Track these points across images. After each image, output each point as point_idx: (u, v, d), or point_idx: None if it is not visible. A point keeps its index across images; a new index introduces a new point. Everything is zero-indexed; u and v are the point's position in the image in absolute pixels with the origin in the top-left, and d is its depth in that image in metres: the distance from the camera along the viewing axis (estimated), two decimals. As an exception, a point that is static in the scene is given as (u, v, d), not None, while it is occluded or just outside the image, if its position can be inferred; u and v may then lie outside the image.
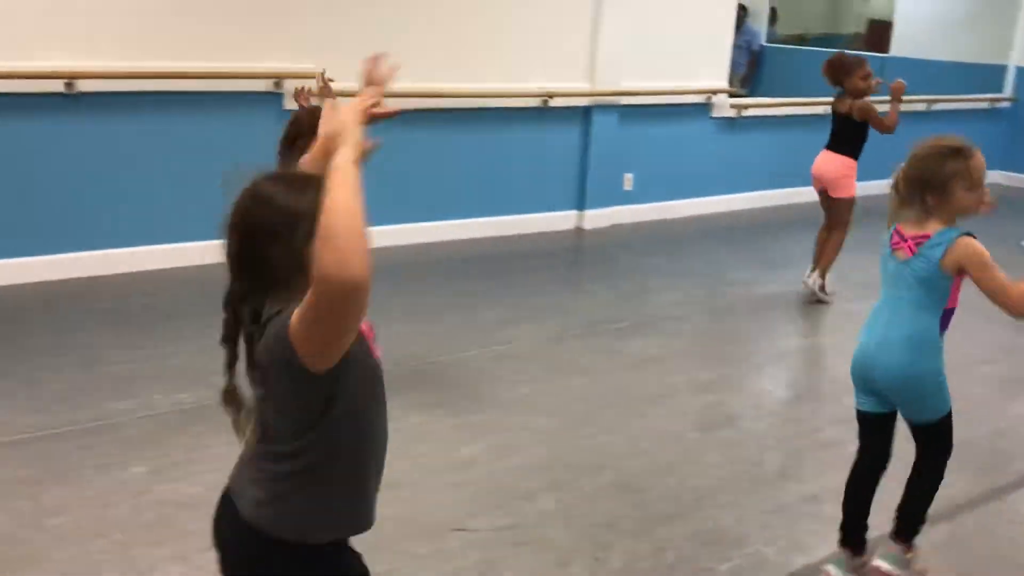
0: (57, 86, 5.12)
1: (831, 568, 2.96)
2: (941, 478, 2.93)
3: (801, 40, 12.46)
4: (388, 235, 6.46)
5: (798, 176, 8.69)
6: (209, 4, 5.53)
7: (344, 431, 1.66)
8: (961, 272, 2.64)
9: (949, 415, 2.85)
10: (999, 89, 10.14)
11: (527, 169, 7.03)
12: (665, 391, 4.36)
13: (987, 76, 9.65)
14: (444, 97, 6.41)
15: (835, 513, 3.34)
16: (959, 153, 2.66)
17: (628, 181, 7.58)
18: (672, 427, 3.99)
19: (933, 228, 2.67)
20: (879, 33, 11.83)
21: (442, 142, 6.59)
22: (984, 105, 9.91)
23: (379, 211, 6.75)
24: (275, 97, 5.84)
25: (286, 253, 1.57)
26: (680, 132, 7.78)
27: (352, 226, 1.41)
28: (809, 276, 5.71)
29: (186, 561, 2.88)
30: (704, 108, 7.87)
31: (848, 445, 3.86)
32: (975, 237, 2.66)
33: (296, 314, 1.47)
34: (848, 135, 5.58)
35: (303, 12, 5.84)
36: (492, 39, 6.61)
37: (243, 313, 1.65)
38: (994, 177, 10.33)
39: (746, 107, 8.19)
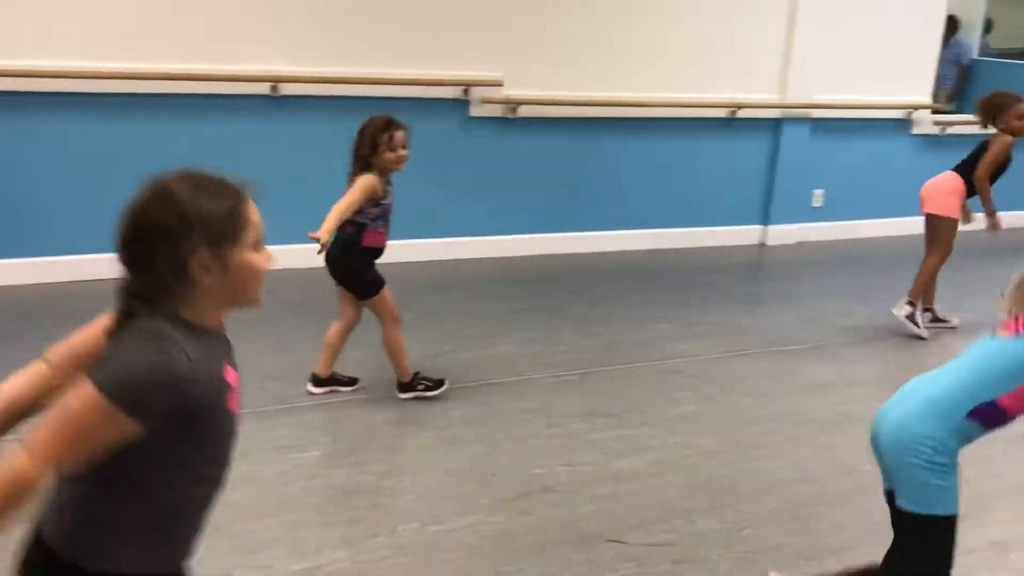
0: (263, 89, 5.47)
1: None
2: None
3: (1019, 55, 11.57)
4: (571, 242, 6.52)
5: (1005, 198, 8.12)
6: (399, 12, 5.74)
7: (147, 478, 1.54)
8: None
9: (946, 524, 2.29)
10: None
11: (712, 181, 6.89)
12: (840, 419, 4.15)
13: None
14: (630, 106, 6.40)
15: (1022, 564, 3.10)
16: None
17: (817, 197, 7.29)
18: (846, 457, 3.80)
19: None
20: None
21: (630, 150, 6.57)
22: None
23: (564, 218, 6.86)
24: (463, 104, 6.00)
25: (171, 258, 1.48)
26: (876, 148, 7.41)
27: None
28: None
29: (351, 546, 3.01)
30: (904, 124, 7.46)
31: None
32: None
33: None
34: (973, 162, 5.17)
35: (494, 22, 5.96)
36: (682, 48, 6.52)
37: (135, 309, 1.51)
38: None
39: (951, 124, 7.69)
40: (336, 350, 4.08)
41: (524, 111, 6.09)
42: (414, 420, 3.92)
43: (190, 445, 1.54)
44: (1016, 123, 5.05)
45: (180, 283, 1.50)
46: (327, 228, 3.65)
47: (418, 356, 4.33)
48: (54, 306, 4.86)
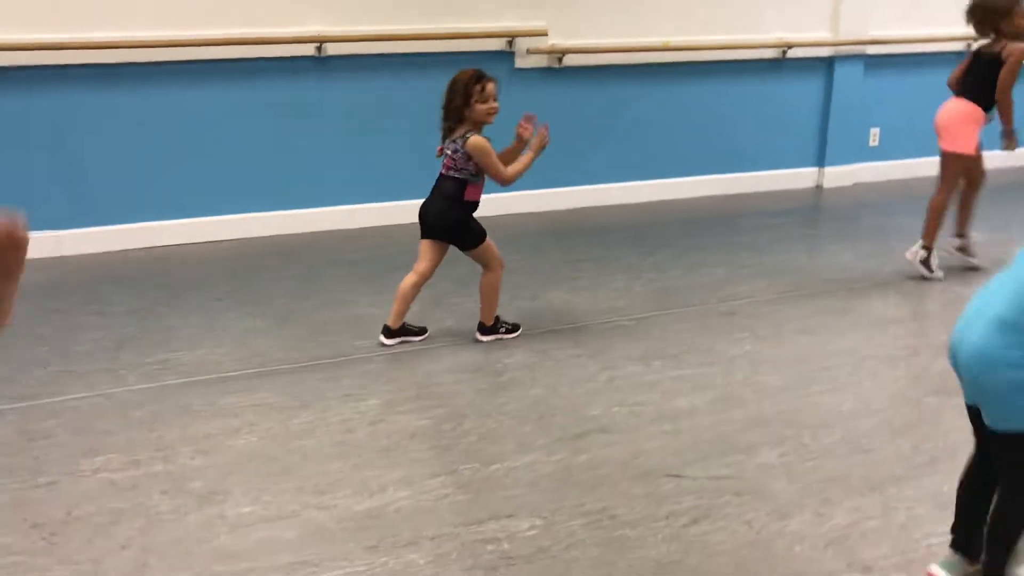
0: (309, 50, 5.51)
1: (936, 569, 2.58)
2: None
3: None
4: (621, 192, 6.48)
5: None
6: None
7: None
8: None
9: None
10: None
11: (764, 124, 6.78)
12: (902, 353, 4.10)
13: None
14: (677, 50, 6.31)
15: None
16: None
17: (874, 136, 7.14)
18: (908, 390, 3.75)
19: None
20: None
21: (678, 96, 6.50)
22: None
23: (614, 168, 6.83)
24: (508, 56, 5.97)
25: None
26: (934, 83, 7.15)
27: None
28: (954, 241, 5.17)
29: (413, 485, 3.06)
30: (962, 56, 7.22)
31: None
32: None
33: None
34: (984, 79, 4.79)
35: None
36: (726, -10, 6.41)
37: None
38: None
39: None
40: (408, 301, 4.15)
41: (570, 60, 6.05)
42: (471, 368, 3.96)
43: None
44: (1012, 27, 4.70)
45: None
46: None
47: (476, 306, 4.37)
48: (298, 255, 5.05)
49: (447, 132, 4.00)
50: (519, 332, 4.26)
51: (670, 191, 6.60)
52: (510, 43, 5.92)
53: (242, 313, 4.53)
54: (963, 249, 5.18)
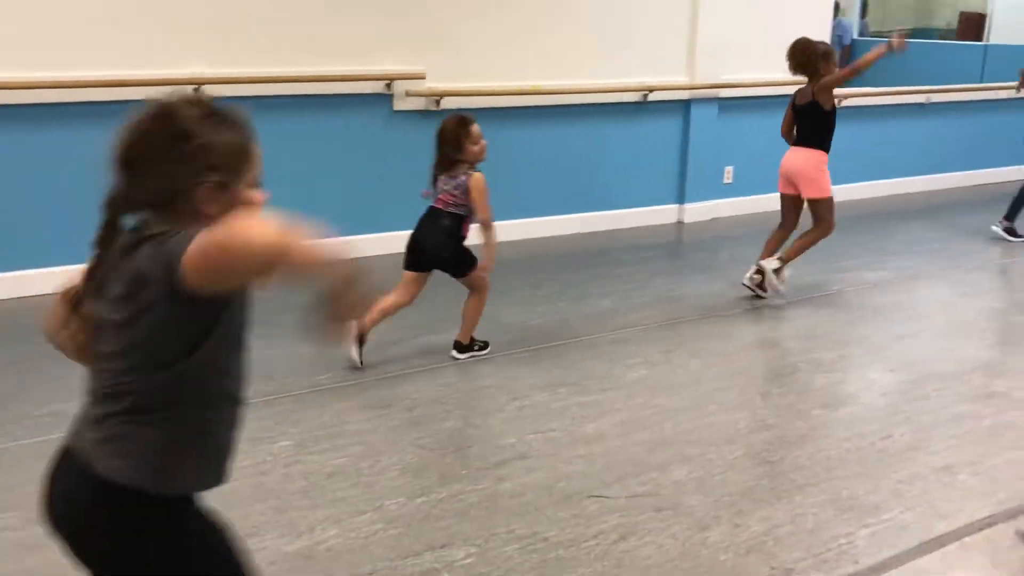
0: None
1: None
2: None
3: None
4: (500, 230, 6.59)
5: (898, 165, 8.62)
6: (322, 9, 5.76)
7: (200, 376, 1.58)
8: None
9: None
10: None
11: (628, 163, 7.11)
12: (785, 372, 4.38)
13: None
14: (549, 94, 6.55)
15: (972, 484, 3.35)
16: None
17: (728, 174, 7.60)
18: (797, 405, 4.02)
19: None
20: (973, 24, 11.60)
21: (544, 139, 6.72)
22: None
23: (493, 206, 6.88)
24: (386, 99, 6.04)
25: (177, 177, 1.50)
26: (777, 124, 7.75)
27: (247, 261, 1.38)
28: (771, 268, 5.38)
29: (340, 523, 3.03)
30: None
31: (979, 420, 3.87)
32: None
33: (195, 246, 1.38)
34: (815, 125, 5.24)
35: (414, 15, 6.03)
36: (592, 35, 6.72)
37: (120, 220, 1.54)
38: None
39: (844, 97, 8.11)
40: (379, 319, 4.28)
41: (447, 102, 6.17)
42: (381, 404, 3.96)
43: (227, 348, 1.61)
44: (833, 66, 5.18)
45: (178, 204, 1.51)
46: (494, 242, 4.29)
47: (377, 344, 4.37)
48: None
49: (437, 175, 4.24)
50: (488, 349, 4.50)
51: (543, 229, 6.80)
52: (389, 85, 5.99)
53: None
54: (761, 274, 5.38)
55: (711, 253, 6.60)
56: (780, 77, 7.57)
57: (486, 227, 4.25)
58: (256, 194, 1.61)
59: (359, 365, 4.26)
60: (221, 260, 1.36)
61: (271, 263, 1.36)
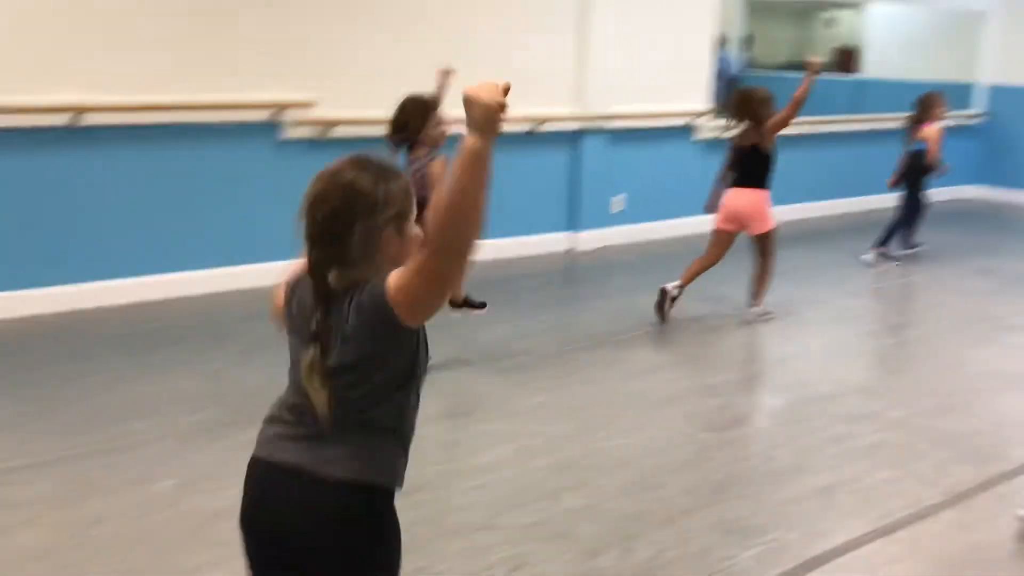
0: (63, 119, 5.21)
1: None
2: None
3: (774, 67, 12.81)
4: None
5: (782, 194, 8.94)
6: (205, 37, 5.65)
7: (411, 398, 1.86)
8: None
9: None
10: (966, 106, 10.47)
11: (520, 193, 7.17)
12: (673, 396, 4.48)
13: (956, 94, 9.96)
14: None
15: (850, 503, 3.48)
16: None
17: (618, 203, 7.75)
18: (685, 429, 4.11)
19: None
20: (847, 58, 12.19)
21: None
22: (956, 121, 10.21)
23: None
24: (273, 127, 5.96)
25: (369, 234, 1.72)
26: (665, 154, 7.99)
27: (475, 209, 1.58)
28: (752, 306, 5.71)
29: (227, 564, 2.93)
30: (687, 131, 8.08)
31: (856, 440, 4.03)
32: None
33: (398, 277, 1.65)
34: (756, 168, 5.56)
35: (301, 43, 5.97)
36: (482, 66, 6.75)
37: (329, 279, 1.73)
38: (970, 191, 10.65)
39: (729, 128, 8.40)
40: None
41: (339, 131, 6.13)
42: (268, 440, 3.86)
43: (423, 355, 1.83)
44: (769, 112, 5.43)
45: (371, 253, 1.73)
46: None
47: (263, 378, 4.28)
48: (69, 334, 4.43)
49: (395, 148, 4.27)
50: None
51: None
52: (277, 114, 5.91)
53: (10, 399, 4.15)
54: (671, 300, 5.56)
55: (603, 281, 6.71)
56: (668, 108, 7.85)
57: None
58: (418, 229, 1.81)
59: None
60: (429, 281, 1.62)
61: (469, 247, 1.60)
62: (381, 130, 6.31)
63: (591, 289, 6.53)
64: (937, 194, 10.09)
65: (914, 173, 7.23)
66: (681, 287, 5.57)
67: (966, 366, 5.10)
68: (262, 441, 1.87)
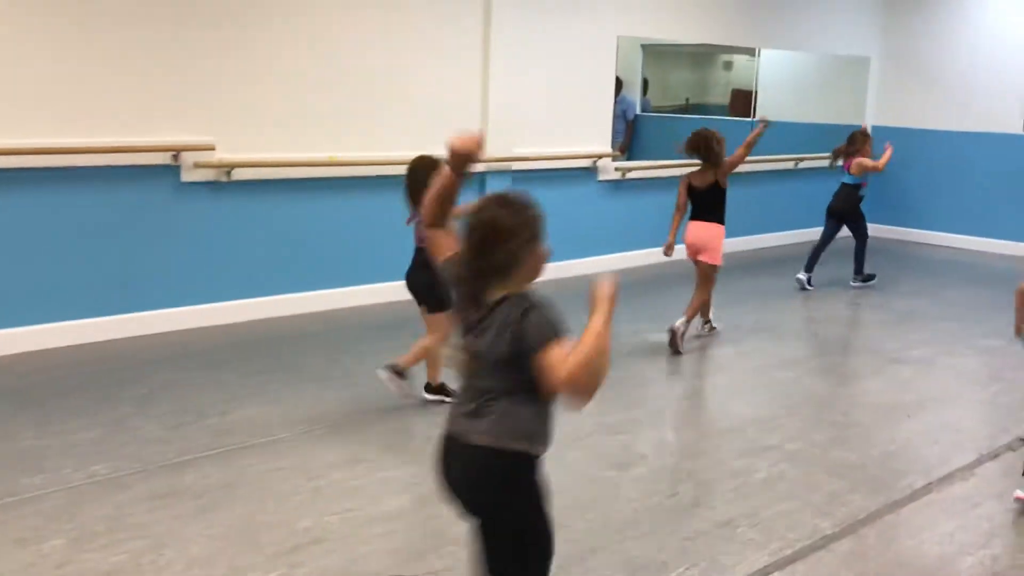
0: (-52, 163, 5.02)
1: None
2: None
3: (674, 109, 13.18)
4: (298, 302, 6.50)
5: (684, 232, 9.17)
6: (102, 78, 5.54)
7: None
8: None
9: None
10: (856, 148, 10.93)
11: (426, 234, 7.18)
12: (577, 436, 4.50)
13: (845, 136, 10.45)
14: (342, 165, 6.55)
15: (751, 535, 3.56)
16: None
17: (523, 243, 7.82)
18: (588, 468, 4.14)
19: None
20: (743, 101, 12.63)
21: (343, 210, 6.70)
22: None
23: (287, 279, 6.79)
24: (173, 170, 5.85)
25: (508, 253, 2.25)
26: (570, 194, 8.12)
27: (597, 373, 2.16)
28: (703, 326, 6.33)
29: (119, 626, 2.83)
30: (591, 172, 8.24)
31: (755, 473, 4.13)
32: None
33: (561, 358, 2.18)
34: (716, 203, 6.04)
35: (202, 86, 5.90)
36: (387, 108, 6.81)
37: (481, 287, 2.26)
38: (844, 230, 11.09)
39: (629, 170, 8.61)
40: (435, 358, 4.73)
41: (239, 174, 6.05)
42: (165, 493, 3.75)
43: None
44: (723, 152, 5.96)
45: (511, 268, 2.26)
46: None
47: (166, 426, 4.17)
48: None
49: (414, 207, 4.50)
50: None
51: (347, 299, 6.75)
52: (176, 157, 5.80)
53: None
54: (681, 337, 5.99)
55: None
56: (571, 150, 8.00)
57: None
58: (546, 248, 2.35)
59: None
60: (590, 377, 2.17)
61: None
62: (285, 172, 6.30)
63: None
64: (814, 233, 10.52)
65: (852, 204, 7.94)
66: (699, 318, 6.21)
67: (859, 398, 5.30)
68: (447, 417, 2.40)
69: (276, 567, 3.21)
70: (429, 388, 4.81)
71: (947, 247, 10.19)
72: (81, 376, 5.10)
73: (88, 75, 5.48)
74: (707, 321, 6.40)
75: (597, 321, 2.23)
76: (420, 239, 4.61)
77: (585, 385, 2.15)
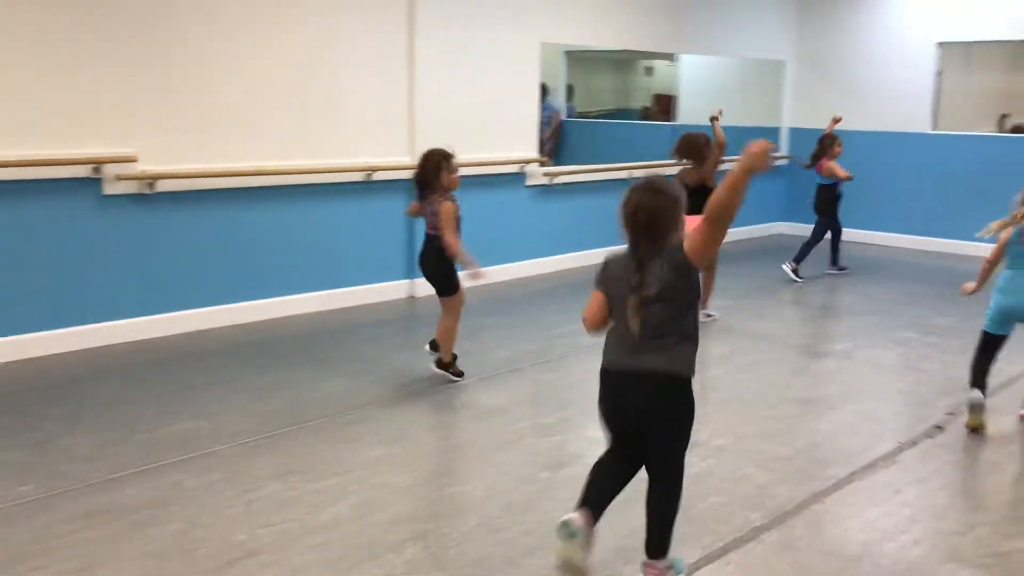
0: None
1: None
2: None
3: (599, 114, 13.35)
4: (228, 313, 6.43)
5: (610, 236, 9.29)
6: (18, 90, 5.41)
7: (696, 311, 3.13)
8: None
9: None
10: (775, 149, 11.24)
11: (358, 242, 7.17)
12: (512, 438, 4.56)
13: (765, 137, 10.69)
14: (269, 175, 6.49)
15: (683, 530, 3.63)
16: None
17: (454, 248, 7.85)
18: (524, 470, 4.19)
19: None
20: (665, 104, 12.86)
21: (272, 219, 6.64)
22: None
23: (215, 290, 6.73)
24: (95, 183, 5.73)
25: (663, 227, 3.01)
26: (499, 200, 8.17)
27: (733, 204, 2.90)
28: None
29: (51, 650, 2.78)
30: (519, 177, 8.31)
31: (688, 467, 4.20)
32: None
33: (688, 246, 2.99)
34: (705, 200, 6.32)
35: (122, 97, 5.79)
36: (314, 116, 6.78)
37: (646, 253, 3.01)
38: (778, 227, 11.42)
39: (556, 175, 8.70)
40: (454, 338, 5.28)
41: (163, 185, 5.96)
42: (94, 512, 3.67)
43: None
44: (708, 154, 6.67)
45: (667, 236, 3.02)
46: (465, 259, 5.08)
47: (95, 443, 4.09)
48: None
49: (421, 196, 5.14)
50: (461, 379, 5.27)
51: (273, 310, 6.69)
52: (97, 170, 5.69)
53: None
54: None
55: (442, 326, 6.75)
56: (498, 156, 8.05)
57: (449, 252, 5.03)
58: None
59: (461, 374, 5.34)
60: (707, 241, 2.97)
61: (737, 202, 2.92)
62: (210, 183, 6.22)
63: (432, 335, 6.56)
64: (748, 231, 10.84)
65: (828, 203, 8.66)
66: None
67: (785, 392, 5.45)
68: (606, 356, 3.17)
69: (212, 582, 3.18)
70: (440, 364, 5.30)
71: (866, 244, 10.53)
72: (3, 396, 4.96)
73: (3, 87, 5.34)
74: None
75: (739, 166, 2.82)
76: (432, 227, 5.09)
77: (721, 217, 2.88)
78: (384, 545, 3.46)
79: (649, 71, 14.21)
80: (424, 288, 7.58)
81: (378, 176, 7.16)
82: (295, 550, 3.41)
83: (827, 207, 8.67)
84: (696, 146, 6.67)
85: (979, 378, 4.75)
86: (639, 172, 9.49)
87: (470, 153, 7.73)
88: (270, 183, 6.56)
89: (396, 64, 7.24)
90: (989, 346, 4.77)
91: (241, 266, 6.52)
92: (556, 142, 11.91)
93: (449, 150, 5.10)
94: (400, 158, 7.30)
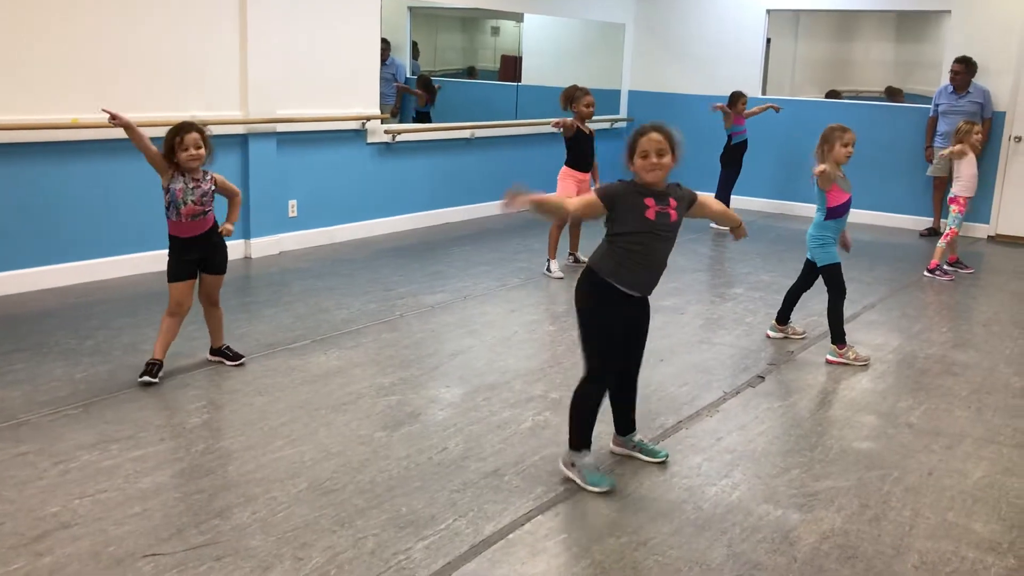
0: None
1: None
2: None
3: (445, 73, 13.21)
4: (45, 275, 6.03)
5: (453, 196, 9.28)
6: None
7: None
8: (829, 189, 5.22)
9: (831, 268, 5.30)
10: (616, 111, 11.46)
11: (185, 201, 6.84)
12: (348, 399, 4.49)
13: (607, 99, 10.87)
14: (87, 128, 6.09)
15: (516, 483, 3.68)
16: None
17: (292, 207, 7.64)
18: (359, 430, 4.13)
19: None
20: (511, 65, 12.86)
21: (90, 175, 6.25)
22: (606, 125, 11.14)
23: (31, 252, 6.29)
24: None
25: (670, 160, 3.71)
26: (339, 157, 7.99)
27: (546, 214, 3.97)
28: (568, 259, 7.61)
29: None
30: (360, 134, 8.14)
31: (521, 423, 4.28)
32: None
33: (705, 197, 4.02)
34: (582, 150, 7.20)
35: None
36: (142, 68, 6.40)
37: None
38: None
39: (399, 132, 8.58)
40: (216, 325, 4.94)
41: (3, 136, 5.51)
42: None
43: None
44: (585, 109, 7.15)
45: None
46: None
47: None
48: None
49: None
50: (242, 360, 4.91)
51: (90, 273, 6.33)
52: None
53: None
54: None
55: (280, 287, 6.58)
56: (337, 112, 7.85)
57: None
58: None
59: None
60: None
61: None
62: (20, 136, 5.78)
63: (267, 297, 6.37)
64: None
65: (734, 155, 9.78)
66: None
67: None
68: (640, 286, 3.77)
69: (18, 558, 2.99)
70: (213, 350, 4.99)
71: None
72: None
73: None
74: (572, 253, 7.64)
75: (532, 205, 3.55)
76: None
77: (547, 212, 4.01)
78: (209, 511, 3.35)
79: (495, 31, 14.16)
80: (262, 248, 7.37)
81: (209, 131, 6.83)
82: (112, 520, 3.25)
83: (728, 158, 9.85)
84: (567, 96, 7.26)
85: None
86: (480, 132, 9.49)
87: (305, 108, 7.51)
88: (87, 137, 6.16)
89: (227, 14, 6.91)
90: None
91: (54, 226, 6.12)
92: (400, 101, 11.72)
93: (190, 122, 4.66)
94: (231, 112, 7.01)
